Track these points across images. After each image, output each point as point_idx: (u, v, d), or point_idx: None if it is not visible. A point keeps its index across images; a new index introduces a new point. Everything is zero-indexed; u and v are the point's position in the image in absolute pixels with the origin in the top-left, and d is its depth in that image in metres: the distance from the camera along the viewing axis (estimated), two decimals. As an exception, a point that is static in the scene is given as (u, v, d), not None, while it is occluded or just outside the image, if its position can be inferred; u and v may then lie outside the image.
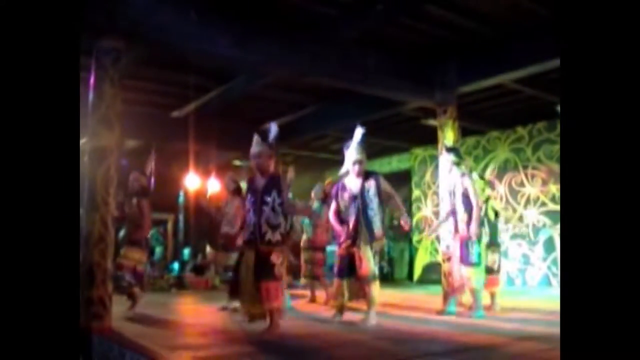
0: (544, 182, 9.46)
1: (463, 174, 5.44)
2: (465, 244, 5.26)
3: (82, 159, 4.57)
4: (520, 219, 9.75)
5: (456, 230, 5.41)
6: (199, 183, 11.05)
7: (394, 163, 12.51)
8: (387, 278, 12.15)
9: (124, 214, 5.91)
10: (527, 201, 9.69)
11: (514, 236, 9.80)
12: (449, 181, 5.64)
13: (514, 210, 9.85)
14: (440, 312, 5.50)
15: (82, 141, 4.74)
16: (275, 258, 4.21)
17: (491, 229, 5.79)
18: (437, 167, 7.12)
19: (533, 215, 9.57)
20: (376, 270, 4.79)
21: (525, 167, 9.77)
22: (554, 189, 9.22)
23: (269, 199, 4.25)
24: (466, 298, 5.72)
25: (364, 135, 5.14)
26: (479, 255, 5.26)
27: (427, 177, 11.48)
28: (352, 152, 5.02)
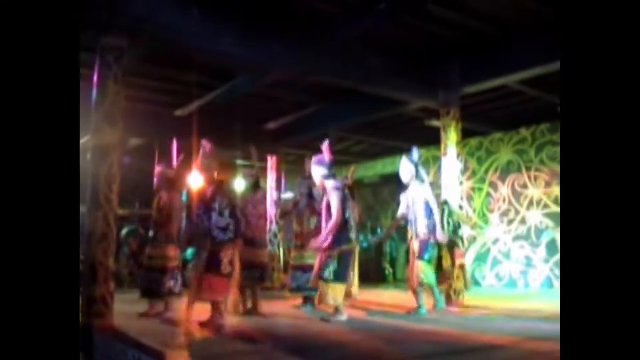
0: (547, 184, 9.43)
1: (423, 183, 5.82)
2: (424, 243, 5.64)
3: (86, 157, 4.57)
4: (523, 220, 9.73)
5: (416, 235, 5.73)
6: (202, 182, 11.04)
7: (397, 164, 12.46)
8: (388, 279, 12.18)
9: (153, 212, 5.86)
10: (530, 203, 9.66)
11: (517, 238, 9.78)
12: (410, 190, 5.90)
13: (517, 212, 9.84)
14: (413, 311, 5.60)
15: (85, 138, 4.75)
16: (224, 255, 4.62)
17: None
18: (440, 168, 7.14)
19: (536, 217, 9.55)
20: (324, 273, 5.06)
21: (528, 169, 9.75)
22: (557, 190, 9.19)
23: (215, 205, 4.72)
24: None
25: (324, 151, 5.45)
26: (431, 256, 5.67)
27: (430, 178, 11.44)
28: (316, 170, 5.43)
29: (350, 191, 7.10)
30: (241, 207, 5.86)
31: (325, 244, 5.10)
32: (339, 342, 4.05)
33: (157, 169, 6.09)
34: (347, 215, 5.20)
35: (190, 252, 12.19)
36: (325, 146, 5.43)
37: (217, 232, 4.67)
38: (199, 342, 3.99)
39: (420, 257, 5.61)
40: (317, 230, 5.66)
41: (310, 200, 6.50)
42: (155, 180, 6.00)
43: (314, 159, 5.50)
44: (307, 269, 6.46)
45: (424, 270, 5.59)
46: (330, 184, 5.29)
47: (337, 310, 5.05)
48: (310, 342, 4.08)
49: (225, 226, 4.71)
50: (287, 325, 4.50)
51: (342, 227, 5.13)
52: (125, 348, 3.56)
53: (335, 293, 5.04)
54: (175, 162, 6.29)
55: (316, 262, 5.29)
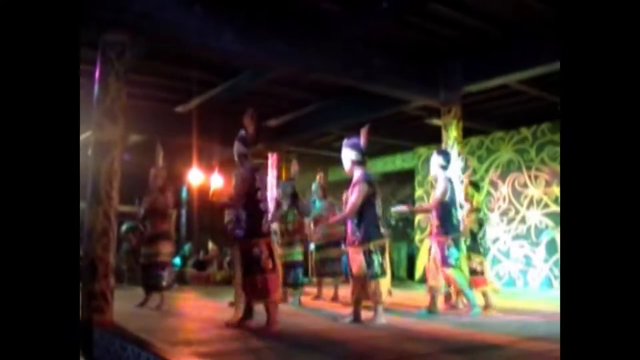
0: (547, 184, 9.44)
1: (447, 179, 5.48)
2: (443, 247, 5.35)
3: (87, 153, 4.58)
4: (523, 220, 9.74)
5: (430, 232, 5.57)
6: (202, 178, 11.08)
7: (398, 162, 12.50)
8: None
9: (148, 210, 6.02)
10: (530, 202, 9.67)
11: (516, 237, 9.79)
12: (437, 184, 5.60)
13: (517, 212, 9.84)
14: (429, 309, 5.50)
15: (86, 134, 4.75)
16: (258, 251, 4.23)
17: (472, 238, 5.88)
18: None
19: (536, 216, 9.56)
20: (372, 270, 4.71)
21: (528, 168, 9.75)
22: (557, 190, 9.19)
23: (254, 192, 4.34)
24: (457, 297, 5.84)
25: (369, 135, 5.19)
26: (457, 258, 5.33)
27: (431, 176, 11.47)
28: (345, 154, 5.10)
29: (324, 193, 7.19)
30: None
31: (356, 240, 4.74)
32: (343, 338, 4.05)
33: (153, 170, 6.21)
34: (377, 209, 4.80)
35: (187, 247, 12.27)
36: (364, 131, 5.10)
37: (236, 225, 4.31)
38: (207, 339, 3.99)
39: (447, 264, 5.29)
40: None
41: (294, 200, 6.59)
42: (151, 181, 6.16)
43: (347, 141, 5.10)
44: (297, 265, 6.53)
45: (454, 276, 5.30)
46: (358, 173, 4.94)
47: (380, 308, 4.73)
48: (314, 338, 4.09)
49: (237, 219, 4.32)
50: (290, 321, 4.50)
51: (373, 221, 4.76)
52: (124, 344, 3.56)
53: (383, 288, 4.76)
54: (160, 163, 6.34)
55: (348, 259, 4.92)
